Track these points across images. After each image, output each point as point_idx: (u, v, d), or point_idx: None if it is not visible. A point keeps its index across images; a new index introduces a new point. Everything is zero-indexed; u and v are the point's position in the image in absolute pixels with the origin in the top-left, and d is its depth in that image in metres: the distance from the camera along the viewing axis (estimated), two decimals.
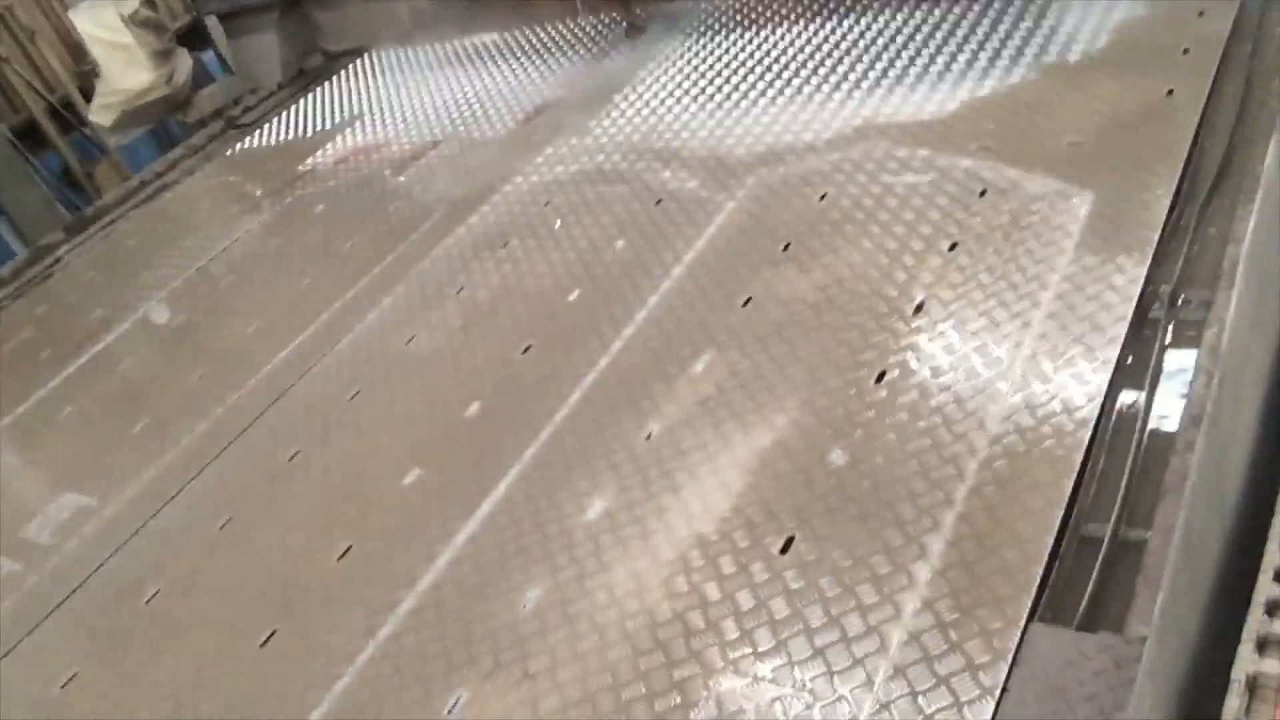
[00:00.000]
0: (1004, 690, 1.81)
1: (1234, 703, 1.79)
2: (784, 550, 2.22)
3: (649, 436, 2.67)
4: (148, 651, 2.70)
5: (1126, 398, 2.30)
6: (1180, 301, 2.47)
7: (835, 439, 2.45)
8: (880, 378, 2.58)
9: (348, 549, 2.74)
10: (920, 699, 1.84)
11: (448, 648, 2.31)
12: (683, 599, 2.19)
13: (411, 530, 2.71)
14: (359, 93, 5.98)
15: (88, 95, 7.97)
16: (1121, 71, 3.40)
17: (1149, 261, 2.58)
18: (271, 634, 2.58)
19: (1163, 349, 2.37)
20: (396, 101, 5.67)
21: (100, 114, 7.04)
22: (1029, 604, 1.92)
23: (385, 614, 2.48)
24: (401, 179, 4.85)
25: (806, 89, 4.12)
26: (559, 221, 3.90)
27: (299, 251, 4.64)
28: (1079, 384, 2.32)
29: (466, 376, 3.23)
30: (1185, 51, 3.35)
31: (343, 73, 6.24)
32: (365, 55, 6.32)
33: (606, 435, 2.74)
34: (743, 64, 4.53)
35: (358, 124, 5.63)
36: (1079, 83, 3.45)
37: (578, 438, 2.77)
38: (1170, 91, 3.19)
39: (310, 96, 6.19)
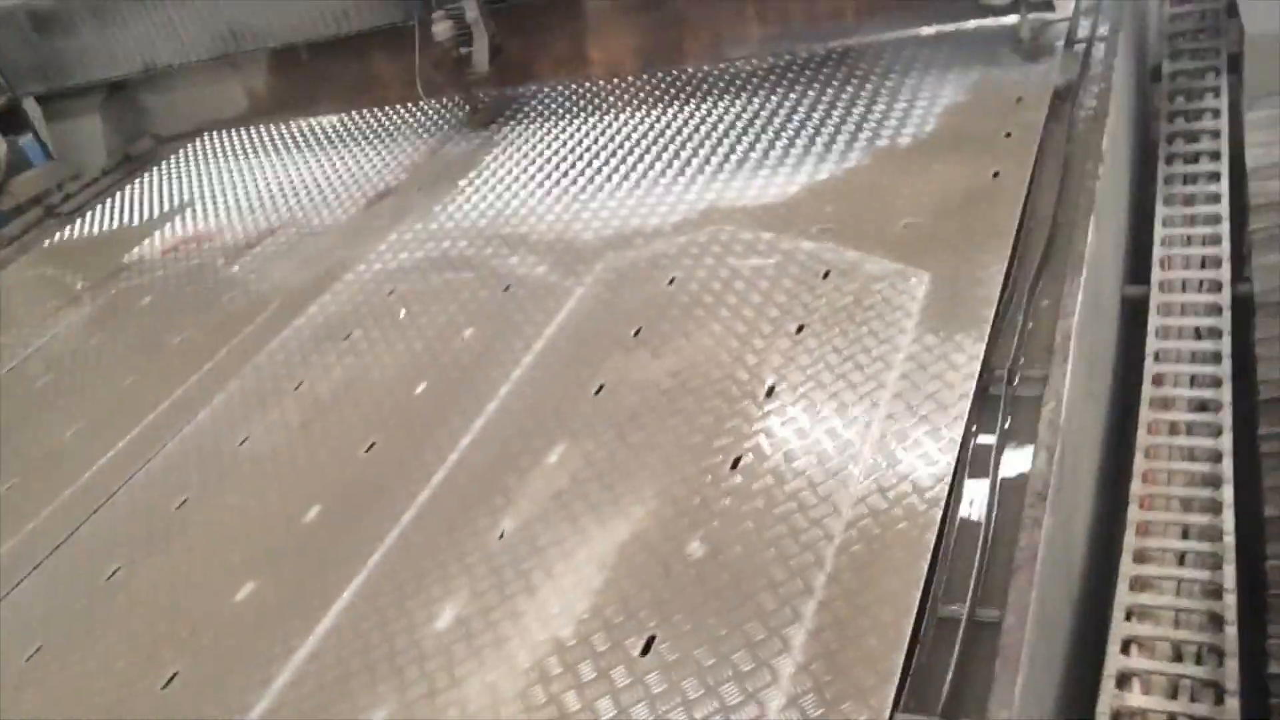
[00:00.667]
0: None
1: None
2: (644, 651, 2.14)
3: (502, 535, 2.56)
4: None
5: (973, 476, 2.33)
6: (1018, 379, 2.54)
7: (693, 529, 2.39)
8: (736, 463, 2.55)
9: (173, 675, 2.51)
10: None
11: None
12: (540, 712, 2.07)
13: (246, 650, 2.50)
14: (190, 178, 5.75)
15: None
16: (950, 155, 3.55)
17: (986, 340, 2.65)
18: None
19: (1005, 426, 2.42)
20: (230, 187, 5.47)
21: None
22: (892, 694, 1.89)
23: None
24: (236, 268, 4.64)
25: (651, 173, 4.15)
26: (404, 311, 3.79)
27: (124, 347, 4.37)
28: (927, 464, 2.35)
29: (306, 478, 3.05)
30: (1007, 135, 3.52)
31: (173, 158, 6.00)
32: (197, 139, 6.09)
33: (458, 535, 2.61)
34: (587, 149, 4.55)
35: (188, 211, 5.40)
36: (911, 166, 3.58)
37: (427, 539, 2.64)
38: (996, 174, 3.34)
39: (137, 183, 5.92)
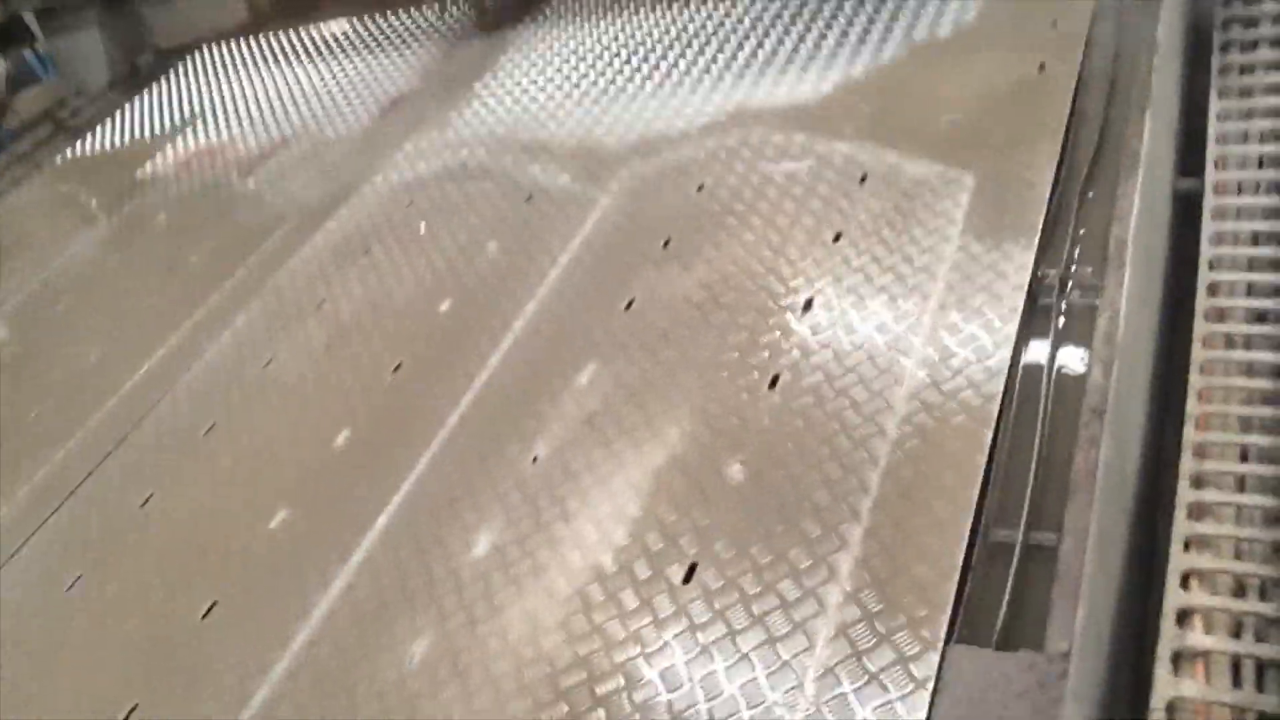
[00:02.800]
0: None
1: None
2: (687, 579, 2.08)
3: (535, 459, 2.50)
4: None
5: (1024, 391, 2.24)
6: (1070, 287, 2.42)
7: (732, 451, 2.32)
8: (774, 382, 2.46)
9: (212, 605, 2.50)
10: None
11: (328, 714, 2.11)
12: (584, 643, 2.03)
13: (282, 581, 2.48)
14: (197, 91, 5.58)
15: None
16: (993, 47, 3.37)
17: (1035, 246, 2.53)
18: (133, 709, 2.32)
19: (1058, 338, 2.32)
20: (239, 99, 5.32)
21: None
22: (945, 624, 1.83)
23: (259, 678, 2.25)
24: (250, 183, 4.53)
25: (675, 74, 3.98)
26: (424, 225, 3.68)
27: (142, 267, 4.30)
28: (976, 381, 2.25)
29: (333, 402, 2.99)
30: (1054, 24, 3.32)
31: (177, 70, 5.82)
32: (201, 50, 5.90)
33: (490, 461, 2.55)
34: (605, 50, 4.36)
35: (198, 125, 5.26)
36: (951, 60, 3.40)
37: (459, 466, 2.58)
38: (1042, 66, 3.16)
39: (144, 97, 5.76)
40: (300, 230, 3.96)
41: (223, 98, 5.40)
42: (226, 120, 5.17)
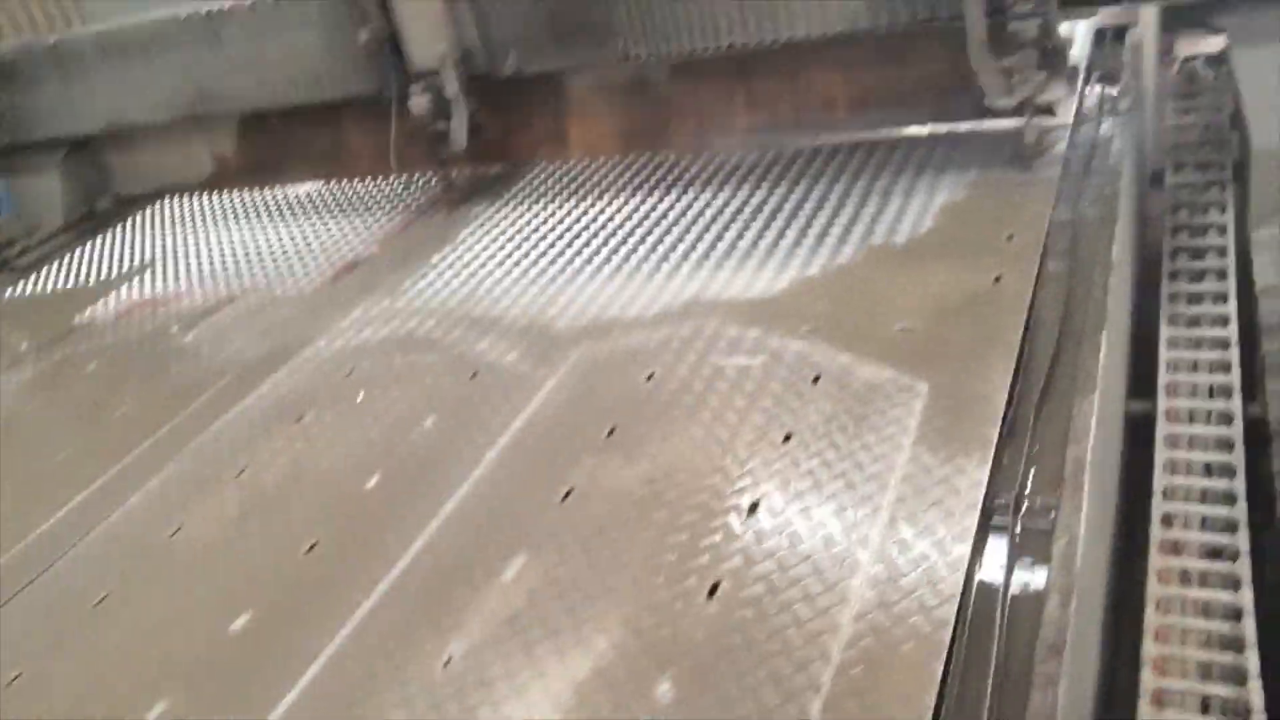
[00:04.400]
0: None
1: None
2: None
3: (448, 662, 2.28)
4: None
5: (977, 622, 2.09)
6: (1025, 508, 2.32)
7: (662, 668, 2.13)
8: (713, 591, 2.30)
9: None
10: None
11: None
12: None
13: None
14: (151, 240, 5.52)
15: None
16: (949, 257, 3.38)
17: (990, 462, 2.43)
18: None
19: (1012, 564, 2.19)
20: (192, 251, 5.24)
21: None
22: None
23: None
24: (190, 337, 4.39)
25: (631, 260, 3.96)
26: (362, 393, 3.54)
27: (61, 417, 4.09)
28: (926, 605, 2.10)
29: (239, 580, 2.76)
30: (1010, 238, 3.35)
31: (135, 218, 5.77)
32: (160, 201, 5.88)
33: (397, 659, 2.33)
34: (565, 232, 4.36)
35: (147, 273, 5.16)
36: (907, 267, 3.40)
37: (364, 664, 2.35)
38: (998, 278, 3.16)
39: (96, 241, 5.68)
40: (233, 390, 3.80)
41: (175, 250, 5.32)
42: (175, 272, 5.07)
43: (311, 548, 2.80)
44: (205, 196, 5.84)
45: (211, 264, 5.06)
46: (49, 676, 2.62)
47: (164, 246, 5.40)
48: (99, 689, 2.53)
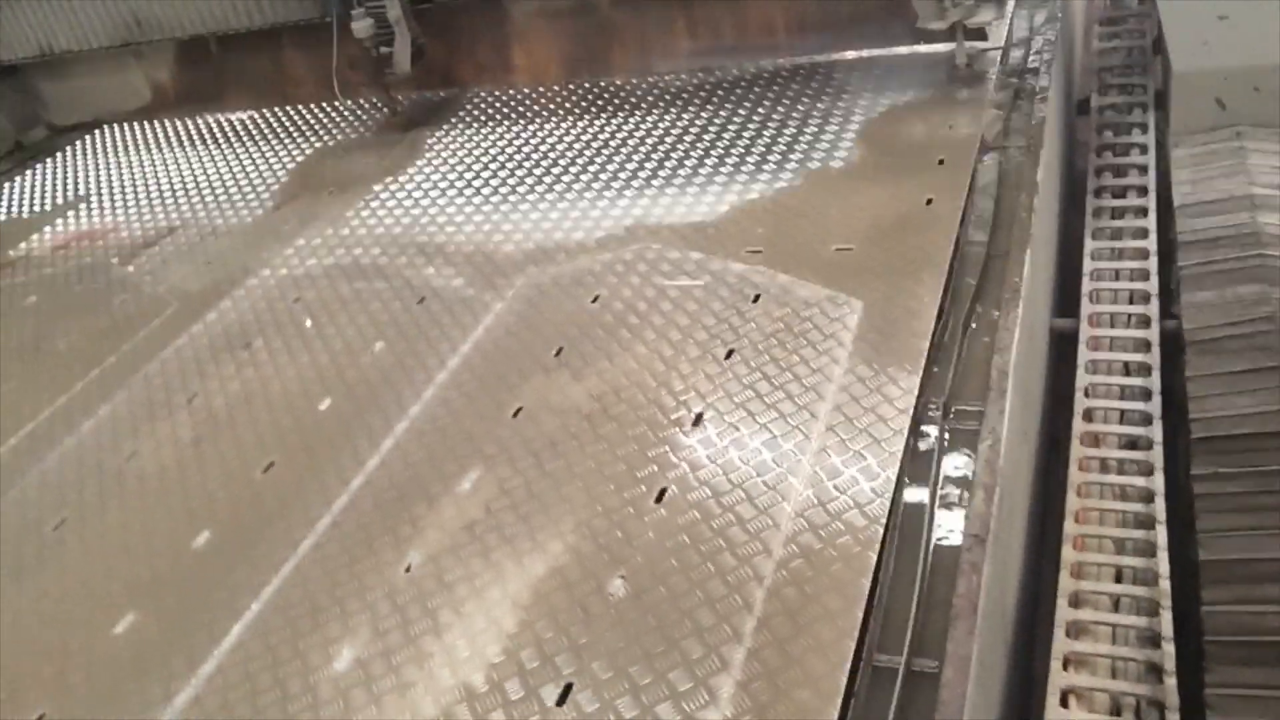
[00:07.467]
0: None
1: None
2: (561, 700, 1.98)
3: (409, 568, 2.38)
4: None
5: (909, 516, 2.23)
6: (953, 413, 2.46)
7: (614, 566, 2.25)
8: (660, 496, 2.41)
9: (40, 718, 2.27)
10: None
11: None
12: None
13: (121, 690, 2.28)
14: (87, 171, 5.42)
15: None
16: (883, 180, 3.48)
17: (920, 373, 2.56)
18: None
19: (940, 465, 2.33)
20: (130, 182, 5.17)
21: None
22: None
23: None
24: (130, 269, 4.36)
25: (576, 186, 4.01)
26: (310, 320, 3.57)
27: (3, 350, 4.05)
28: (861, 502, 2.24)
29: (196, 500, 2.82)
30: (941, 162, 3.47)
31: (69, 148, 5.66)
32: (96, 130, 5.76)
33: (360, 567, 2.42)
34: (509, 158, 4.39)
35: (83, 205, 5.09)
36: (843, 190, 3.51)
37: (326, 571, 2.44)
38: (929, 201, 3.27)
39: (30, 173, 5.57)
40: (179, 320, 3.81)
41: (111, 180, 5.24)
42: (113, 203, 5.01)
43: (268, 468, 2.86)
44: (142, 125, 5.73)
45: (150, 195, 5.00)
46: (15, 595, 2.67)
47: (100, 177, 5.32)
48: (66, 605, 2.60)
